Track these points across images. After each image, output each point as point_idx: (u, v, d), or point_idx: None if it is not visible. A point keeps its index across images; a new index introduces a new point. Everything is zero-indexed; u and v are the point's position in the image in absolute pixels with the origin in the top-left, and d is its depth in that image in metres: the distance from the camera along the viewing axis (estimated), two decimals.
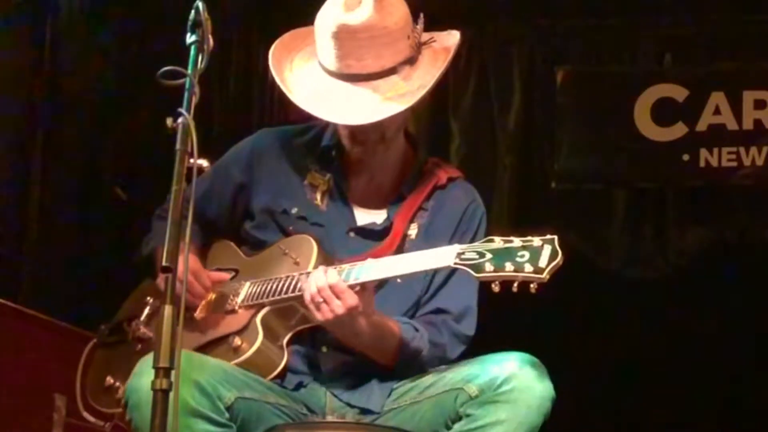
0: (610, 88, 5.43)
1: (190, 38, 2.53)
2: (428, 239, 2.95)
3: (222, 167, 3.15)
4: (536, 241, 2.59)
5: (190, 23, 2.53)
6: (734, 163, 5.23)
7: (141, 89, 4.85)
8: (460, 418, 2.75)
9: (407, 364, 2.90)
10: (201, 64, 2.51)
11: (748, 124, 5.24)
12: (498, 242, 2.63)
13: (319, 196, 3.07)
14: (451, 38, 3.04)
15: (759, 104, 5.25)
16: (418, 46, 2.97)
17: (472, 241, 2.88)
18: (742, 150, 5.24)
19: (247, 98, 5.57)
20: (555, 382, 2.75)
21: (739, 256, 5.18)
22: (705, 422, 5.14)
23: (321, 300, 2.74)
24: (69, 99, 4.90)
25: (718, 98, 5.27)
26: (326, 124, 3.11)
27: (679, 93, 5.33)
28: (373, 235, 3.02)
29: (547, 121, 5.43)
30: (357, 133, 2.97)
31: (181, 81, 2.46)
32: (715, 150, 5.26)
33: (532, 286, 2.55)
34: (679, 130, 5.31)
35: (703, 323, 5.13)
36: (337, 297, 2.73)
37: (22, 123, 4.72)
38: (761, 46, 5.26)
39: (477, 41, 5.43)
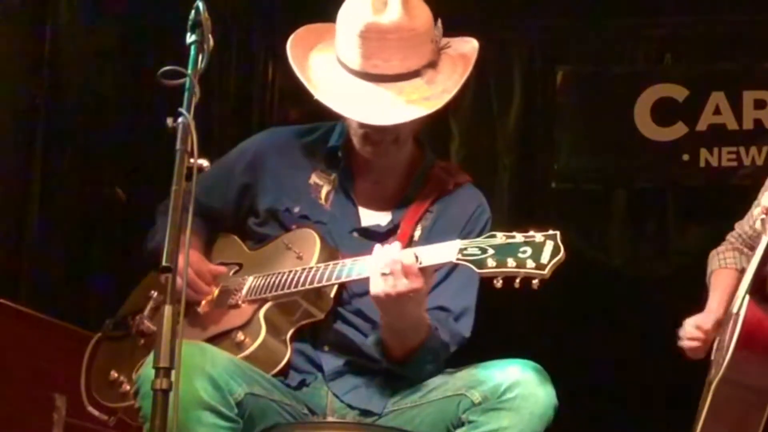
0: (610, 88, 5.43)
1: (190, 38, 2.52)
2: (431, 240, 2.90)
3: (227, 165, 3.14)
4: (538, 236, 2.59)
5: (190, 23, 2.53)
6: (734, 163, 5.24)
7: (141, 89, 4.85)
8: (462, 424, 2.74)
9: (420, 362, 2.85)
10: (201, 64, 2.51)
11: (748, 124, 5.25)
12: (500, 238, 2.63)
13: (323, 195, 3.06)
14: (468, 45, 3.07)
15: (759, 104, 5.25)
16: (439, 51, 2.98)
17: None
18: (742, 150, 5.24)
19: (247, 98, 5.57)
20: (554, 381, 2.75)
21: None
22: None
23: (388, 272, 2.69)
24: (69, 99, 4.89)
25: (718, 98, 5.28)
26: (333, 125, 3.10)
27: (679, 93, 5.33)
28: (376, 236, 2.99)
29: (547, 121, 5.43)
30: (372, 133, 2.94)
31: (181, 81, 2.46)
32: (715, 150, 5.27)
33: (534, 282, 2.54)
34: (679, 130, 5.31)
35: None
36: (406, 276, 2.69)
37: (23, 122, 4.71)
38: (761, 46, 5.26)
39: (477, 41, 5.42)
